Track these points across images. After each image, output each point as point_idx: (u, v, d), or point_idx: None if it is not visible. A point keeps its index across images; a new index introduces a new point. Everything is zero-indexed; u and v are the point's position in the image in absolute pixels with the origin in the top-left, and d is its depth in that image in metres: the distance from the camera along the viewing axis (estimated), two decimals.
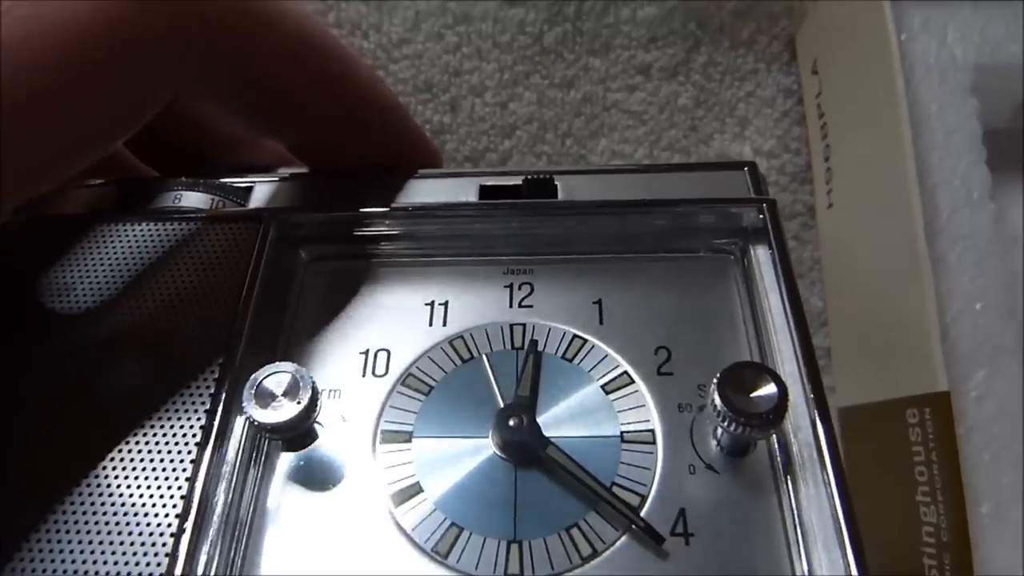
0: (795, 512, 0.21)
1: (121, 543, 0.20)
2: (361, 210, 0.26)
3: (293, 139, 0.27)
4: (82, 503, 0.21)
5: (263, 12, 0.23)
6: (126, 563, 0.20)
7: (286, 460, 0.22)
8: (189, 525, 0.20)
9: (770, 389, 0.20)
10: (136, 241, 0.25)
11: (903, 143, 0.34)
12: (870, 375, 0.37)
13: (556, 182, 0.26)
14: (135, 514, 0.20)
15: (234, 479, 0.21)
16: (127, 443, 0.21)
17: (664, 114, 0.45)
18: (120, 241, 0.25)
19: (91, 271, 0.25)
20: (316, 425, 0.22)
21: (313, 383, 0.21)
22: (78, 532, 0.20)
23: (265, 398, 0.21)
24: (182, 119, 0.29)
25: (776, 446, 0.22)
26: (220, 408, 0.22)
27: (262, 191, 0.27)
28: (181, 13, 0.22)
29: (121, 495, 0.21)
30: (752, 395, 0.20)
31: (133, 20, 0.21)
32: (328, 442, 0.23)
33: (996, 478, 0.33)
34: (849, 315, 0.40)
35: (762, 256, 0.25)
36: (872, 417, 0.36)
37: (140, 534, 0.20)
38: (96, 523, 0.20)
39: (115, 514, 0.20)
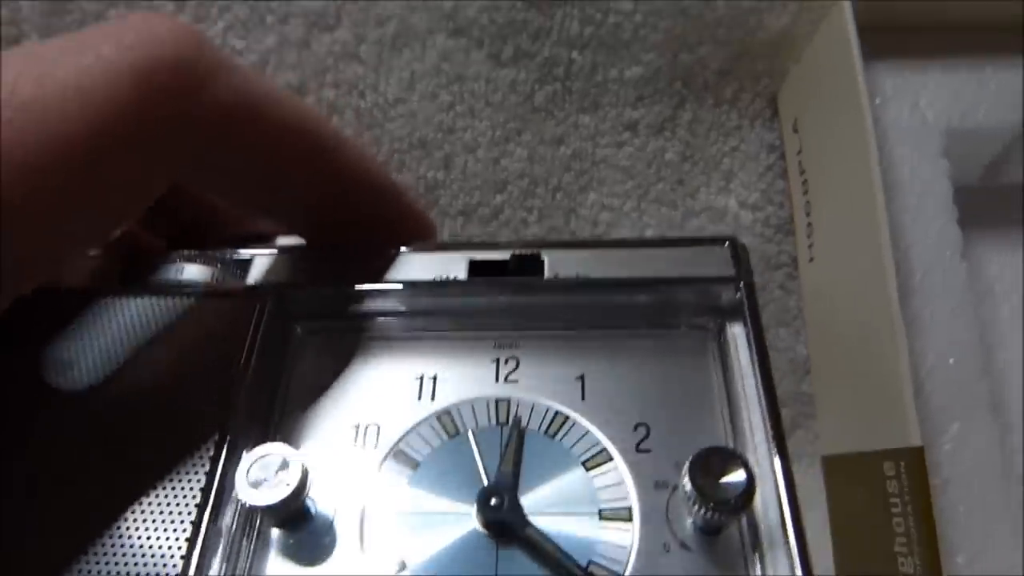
0: None
1: None
2: (356, 287, 0.27)
3: (289, 219, 0.28)
4: (83, 556, 0.22)
5: (259, 101, 0.24)
6: None
7: (278, 534, 0.23)
8: None
9: (739, 476, 0.21)
10: (138, 314, 0.26)
11: (877, 204, 0.35)
12: (852, 424, 0.38)
13: (543, 257, 0.27)
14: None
15: (229, 554, 0.22)
16: (124, 518, 0.22)
17: (651, 168, 0.46)
18: (122, 314, 0.26)
19: (93, 344, 0.25)
20: (309, 500, 0.23)
21: (303, 465, 0.22)
22: None
23: (256, 480, 0.21)
24: (184, 194, 0.29)
25: (746, 526, 0.23)
26: (215, 487, 0.22)
27: (260, 264, 0.28)
28: (178, 108, 0.22)
29: (119, 570, 0.21)
30: (721, 480, 0.21)
31: (129, 117, 0.21)
32: (319, 518, 0.23)
33: (971, 529, 0.35)
34: (831, 365, 0.41)
35: (738, 334, 0.25)
36: (853, 467, 0.37)
37: None
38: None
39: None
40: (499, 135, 0.45)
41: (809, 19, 0.44)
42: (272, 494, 0.21)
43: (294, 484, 0.21)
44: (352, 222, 0.28)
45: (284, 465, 0.22)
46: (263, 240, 0.30)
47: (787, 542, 0.21)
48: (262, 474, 0.21)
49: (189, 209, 0.30)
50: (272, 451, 0.22)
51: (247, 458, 0.22)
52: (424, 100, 0.44)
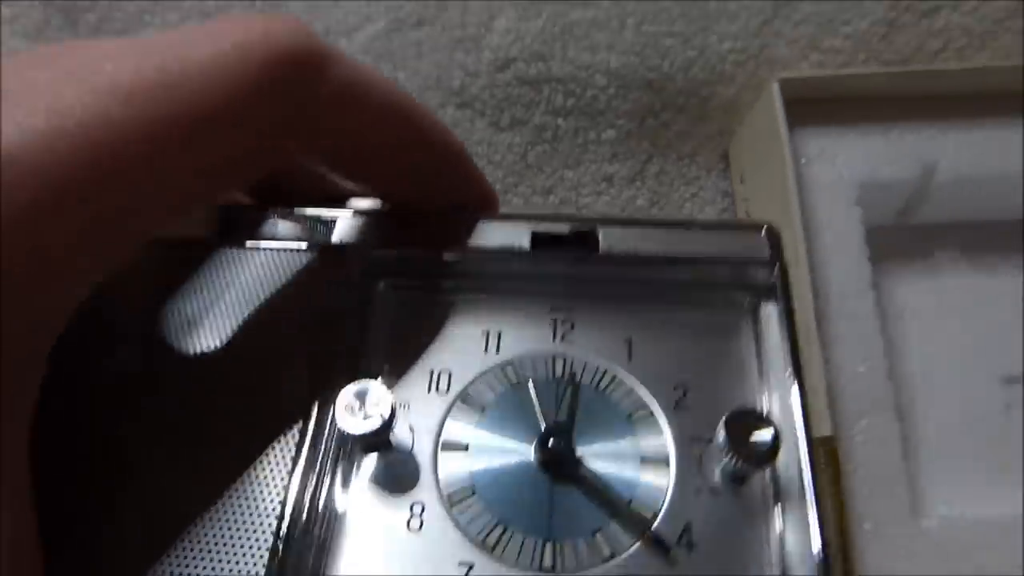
0: (782, 535, 0.24)
1: (222, 546, 0.24)
2: (433, 249, 0.29)
3: (379, 188, 0.30)
4: (189, 513, 0.24)
5: (363, 85, 0.25)
6: (227, 561, 0.23)
7: (365, 462, 0.26)
8: (284, 530, 0.24)
9: (767, 434, 0.23)
10: (237, 267, 0.28)
11: (799, 246, 0.44)
12: None
13: (599, 232, 0.29)
14: (236, 518, 0.24)
15: (324, 479, 0.25)
16: (232, 456, 0.25)
17: (626, 213, 0.55)
18: (224, 267, 0.28)
19: (202, 296, 0.28)
20: (391, 434, 0.25)
21: (392, 399, 0.24)
22: (186, 537, 0.24)
23: (353, 411, 0.24)
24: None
25: (768, 478, 0.25)
26: (314, 419, 0.25)
27: (344, 224, 0.30)
28: (299, 91, 0.24)
29: (223, 501, 0.24)
30: (751, 437, 0.23)
31: (260, 98, 0.23)
32: (400, 447, 0.26)
33: (876, 503, 0.43)
34: None
35: (772, 312, 0.28)
36: None
37: (241, 536, 0.24)
38: (198, 530, 0.24)
39: (218, 520, 0.24)
40: (499, 188, 0.54)
41: (751, 88, 0.53)
42: (366, 423, 0.23)
43: (386, 415, 0.23)
44: (433, 188, 0.30)
45: (377, 398, 0.24)
46: (336, 201, 0.32)
47: (803, 495, 0.24)
48: (358, 405, 0.24)
49: (277, 173, 0.31)
50: (367, 386, 0.24)
51: (345, 391, 0.24)
52: None
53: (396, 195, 0.30)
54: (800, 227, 0.44)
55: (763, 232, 0.29)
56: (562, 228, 0.29)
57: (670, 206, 0.56)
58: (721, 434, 0.24)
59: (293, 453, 0.25)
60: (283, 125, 0.24)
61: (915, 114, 0.49)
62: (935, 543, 0.42)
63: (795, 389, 0.26)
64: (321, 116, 0.25)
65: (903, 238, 0.52)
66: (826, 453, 0.42)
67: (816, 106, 0.49)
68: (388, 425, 0.24)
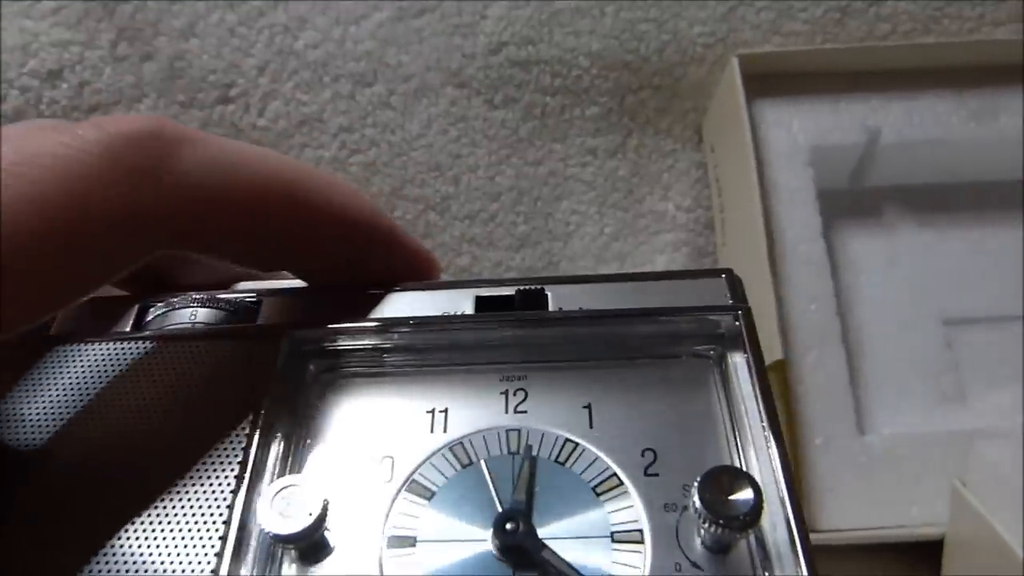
0: None
1: None
2: (366, 324, 0.27)
3: (282, 269, 0.28)
4: None
5: (227, 165, 0.24)
6: None
7: (301, 569, 0.23)
8: None
9: (747, 493, 0.21)
10: (153, 359, 0.26)
11: (756, 201, 0.50)
12: None
13: (547, 292, 0.27)
14: None
15: None
16: (144, 556, 0.22)
17: (608, 182, 0.61)
18: (136, 359, 0.26)
19: (109, 391, 0.25)
20: (327, 532, 0.23)
21: (323, 495, 0.22)
22: None
23: (280, 510, 0.21)
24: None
25: (753, 543, 0.22)
26: (237, 520, 0.22)
27: (269, 305, 0.28)
28: (148, 182, 0.22)
29: None
30: (730, 498, 0.21)
31: (101, 190, 0.21)
32: (338, 549, 0.23)
33: (826, 421, 0.49)
34: None
35: (739, 362, 0.25)
36: None
37: None
38: None
39: None
40: (494, 159, 0.60)
41: (720, 68, 0.60)
42: (294, 523, 0.21)
43: (316, 513, 0.21)
44: (348, 267, 0.28)
45: (306, 496, 0.22)
46: (225, 286, 0.30)
47: (796, 558, 0.21)
48: (285, 505, 0.21)
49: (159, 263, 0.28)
50: (294, 482, 0.22)
51: (270, 489, 0.22)
52: (438, 135, 0.59)
53: (311, 276, 0.28)
54: (756, 184, 0.51)
55: (723, 278, 0.28)
56: (507, 290, 0.28)
57: (649, 176, 0.62)
58: (695, 499, 0.21)
59: (213, 565, 0.22)
60: (136, 211, 0.22)
61: (861, 86, 0.56)
62: (879, 456, 0.48)
63: (772, 442, 0.23)
64: (181, 199, 0.23)
65: (856, 200, 0.58)
66: (777, 377, 0.48)
67: (772, 80, 0.55)
68: (319, 525, 0.22)
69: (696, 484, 0.21)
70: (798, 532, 0.21)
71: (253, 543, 0.22)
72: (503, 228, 0.60)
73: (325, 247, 0.27)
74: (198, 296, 0.28)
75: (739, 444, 0.24)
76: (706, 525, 0.21)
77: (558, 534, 0.23)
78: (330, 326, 0.27)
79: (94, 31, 0.58)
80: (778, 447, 0.23)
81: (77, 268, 0.22)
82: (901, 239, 0.58)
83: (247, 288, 0.30)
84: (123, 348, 0.26)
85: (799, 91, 0.55)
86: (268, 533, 0.21)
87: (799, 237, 0.52)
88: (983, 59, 0.56)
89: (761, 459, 0.23)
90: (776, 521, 0.22)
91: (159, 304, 0.28)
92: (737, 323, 0.26)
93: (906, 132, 0.55)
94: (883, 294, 0.55)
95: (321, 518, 0.22)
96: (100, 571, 0.22)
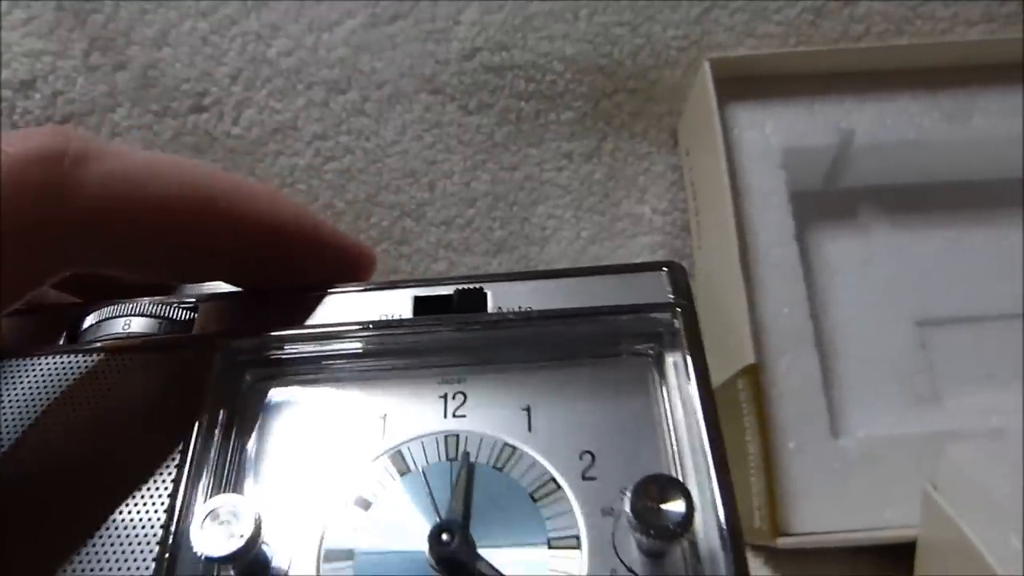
0: None
1: None
2: (301, 331, 0.26)
3: (206, 279, 0.27)
4: None
5: (137, 178, 0.23)
6: None
7: None
8: None
9: (678, 504, 0.21)
10: (87, 371, 0.25)
11: (728, 205, 0.50)
12: (716, 361, 0.53)
13: (486, 291, 0.27)
14: None
15: None
16: (81, 566, 0.22)
17: (584, 186, 0.61)
18: (68, 373, 0.25)
19: (42, 405, 0.25)
20: (264, 547, 0.22)
21: (256, 513, 0.21)
22: None
23: (211, 531, 0.21)
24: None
25: (687, 550, 0.22)
26: (171, 541, 0.22)
27: (206, 312, 0.28)
28: (52, 197, 0.22)
29: None
30: (662, 507, 0.21)
31: (5, 210, 0.21)
32: (276, 565, 0.23)
33: (800, 426, 0.49)
34: (710, 321, 0.56)
35: (676, 360, 0.25)
36: (723, 389, 0.52)
37: None
38: None
39: None
40: (469, 165, 0.59)
41: (694, 71, 0.59)
42: (228, 544, 0.21)
43: (248, 533, 0.21)
44: (274, 270, 0.27)
45: (237, 515, 0.21)
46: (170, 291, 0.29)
47: (729, 565, 0.21)
48: (217, 526, 0.21)
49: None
50: (224, 503, 0.21)
51: (200, 510, 0.21)
52: (413, 141, 0.59)
53: (239, 282, 0.28)
54: (728, 187, 0.51)
55: (665, 272, 0.27)
56: (446, 290, 0.27)
57: (625, 180, 0.62)
58: (628, 510, 0.21)
59: None
60: (39, 230, 0.22)
61: (834, 88, 0.56)
62: (853, 459, 0.48)
63: (707, 445, 0.23)
64: (87, 217, 0.23)
65: (830, 202, 0.58)
66: (750, 381, 0.48)
67: (745, 83, 0.55)
68: (253, 544, 0.21)
69: (628, 493, 0.21)
70: (731, 541, 0.21)
71: (189, 565, 0.22)
72: (479, 233, 0.60)
73: (248, 253, 0.26)
74: (131, 305, 0.27)
75: (676, 447, 0.24)
76: (638, 534, 0.21)
77: (495, 542, 0.23)
78: (266, 334, 0.26)
79: (66, 40, 0.58)
80: (713, 449, 0.23)
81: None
82: (875, 240, 0.57)
83: (187, 293, 0.29)
84: (54, 363, 0.26)
85: (772, 94, 0.55)
86: (201, 555, 0.21)
87: (772, 240, 0.52)
88: (957, 59, 0.56)
89: (697, 462, 0.23)
90: (710, 528, 0.22)
91: (90, 314, 0.28)
92: (675, 321, 0.25)
93: (880, 133, 0.55)
94: (857, 295, 0.55)
95: (254, 537, 0.21)
96: None
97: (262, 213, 0.26)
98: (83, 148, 0.23)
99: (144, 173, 0.24)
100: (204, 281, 0.28)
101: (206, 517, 0.21)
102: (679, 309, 0.26)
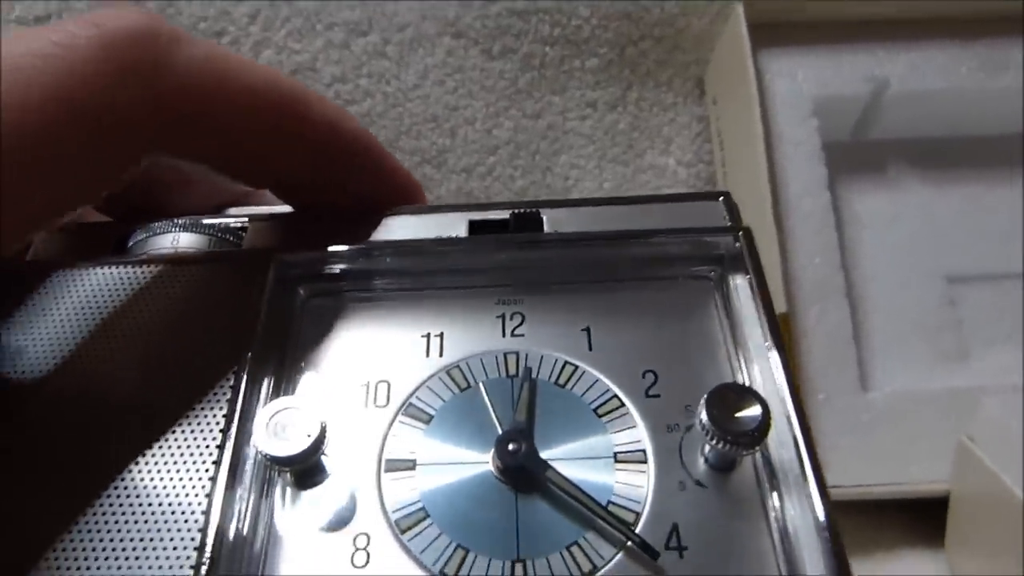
0: (781, 522, 0.21)
1: (141, 566, 0.20)
2: (357, 247, 0.26)
3: (270, 185, 0.27)
4: (91, 532, 0.21)
5: (223, 69, 0.23)
6: None
7: (296, 493, 0.22)
8: (206, 559, 0.20)
9: (754, 409, 0.21)
10: (140, 283, 0.25)
11: (760, 152, 0.49)
12: None
13: (542, 215, 0.27)
14: (148, 555, 0.20)
15: (247, 512, 0.21)
16: (140, 470, 0.22)
17: (608, 136, 0.60)
18: (123, 285, 0.25)
19: (96, 316, 0.25)
20: (323, 457, 0.22)
21: (322, 420, 0.21)
22: (86, 559, 0.20)
23: (276, 432, 0.21)
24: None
25: (760, 461, 0.22)
26: (231, 443, 0.22)
27: (256, 230, 0.27)
28: (143, 80, 0.21)
29: (132, 534, 0.21)
30: (737, 415, 0.21)
31: (95, 88, 0.20)
32: (336, 473, 0.23)
33: (827, 377, 0.48)
34: None
35: (741, 283, 0.25)
36: None
37: (161, 556, 0.20)
38: (110, 546, 0.20)
39: (127, 554, 0.20)
40: (491, 111, 0.59)
41: (723, 19, 0.58)
42: (292, 446, 0.21)
43: (314, 435, 0.21)
44: (334, 185, 0.27)
45: (303, 417, 0.21)
46: (219, 212, 0.29)
47: (804, 477, 0.21)
48: (281, 427, 0.21)
49: (136, 183, 0.27)
50: (292, 404, 0.21)
51: (266, 410, 0.21)
52: (435, 86, 0.58)
53: (300, 196, 0.27)
54: (760, 134, 0.50)
55: (721, 201, 0.27)
56: (502, 214, 0.27)
57: (649, 130, 0.61)
58: (703, 416, 0.21)
59: (207, 490, 0.21)
60: (128, 111, 0.21)
61: (867, 36, 0.55)
62: (881, 413, 0.48)
63: (776, 359, 0.23)
64: (176, 99, 0.22)
65: (860, 154, 0.57)
66: (780, 329, 0.47)
67: (777, 30, 0.54)
68: (318, 446, 0.21)
69: (703, 402, 0.21)
70: (807, 451, 0.21)
71: (248, 467, 0.22)
72: (500, 182, 0.59)
73: (315, 160, 0.26)
74: (180, 221, 0.27)
75: (743, 364, 0.24)
76: (713, 442, 0.21)
77: (560, 455, 0.23)
78: (322, 250, 0.26)
79: None
80: (783, 366, 0.23)
81: (68, 174, 0.21)
82: (904, 195, 0.57)
83: (233, 213, 0.28)
84: (110, 273, 0.25)
85: (804, 41, 0.54)
86: (264, 455, 0.21)
87: (803, 190, 0.51)
88: (994, 9, 0.54)
89: (766, 379, 0.23)
90: (784, 440, 0.22)
91: (139, 230, 0.27)
92: (737, 244, 0.25)
93: (912, 83, 0.54)
94: (886, 250, 0.54)
95: (319, 440, 0.21)
96: (94, 501, 0.21)
97: (336, 123, 0.26)
98: (174, 32, 0.22)
99: (232, 64, 0.23)
100: (263, 186, 0.27)
101: (272, 418, 0.21)
102: (741, 233, 0.26)
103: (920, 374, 0.51)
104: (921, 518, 0.48)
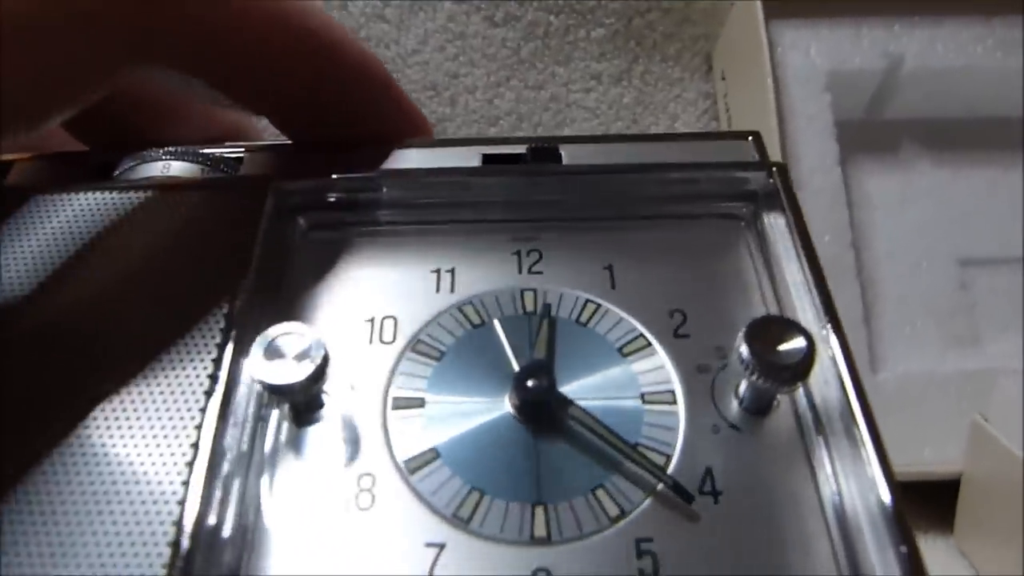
0: (831, 465, 0.20)
1: (122, 501, 0.18)
2: (363, 175, 0.25)
3: (269, 110, 0.26)
4: (76, 464, 0.19)
5: None
6: (127, 523, 0.18)
7: (295, 431, 0.21)
8: (200, 472, 0.18)
9: (798, 342, 0.19)
10: (126, 210, 0.24)
11: (772, 126, 0.48)
12: None
13: (561, 150, 0.25)
14: (138, 472, 0.19)
15: (242, 443, 0.20)
16: (128, 400, 0.20)
17: (612, 110, 0.58)
18: (109, 211, 0.24)
19: (80, 241, 0.23)
20: (324, 394, 0.21)
21: (324, 346, 0.20)
22: (72, 495, 0.19)
23: (274, 358, 0.19)
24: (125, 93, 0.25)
25: (803, 403, 0.21)
26: (224, 373, 0.20)
27: (253, 160, 0.26)
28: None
29: (122, 455, 0.19)
30: (779, 348, 0.19)
31: (89, 9, 0.20)
32: (337, 410, 0.21)
33: None
34: None
35: (776, 222, 0.24)
36: None
37: (145, 492, 0.19)
38: (92, 483, 0.19)
39: (114, 473, 0.19)
40: (493, 80, 0.57)
41: None
42: (292, 372, 0.19)
43: (317, 361, 0.19)
44: (337, 111, 0.25)
45: (304, 343, 0.19)
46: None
47: (853, 419, 0.19)
48: (280, 353, 0.19)
49: (119, 108, 0.26)
50: (292, 329, 0.20)
51: (264, 335, 0.20)
52: (435, 52, 0.56)
53: (297, 122, 0.26)
54: (773, 107, 0.48)
55: (750, 140, 0.26)
56: (518, 149, 0.26)
57: (654, 105, 0.59)
58: (742, 349, 0.20)
59: (197, 420, 0.20)
60: (128, 9, 0.21)
61: (883, 10, 0.53)
62: (892, 395, 0.46)
63: (819, 300, 0.21)
64: (173, 5, 0.21)
65: (873, 133, 0.55)
66: None
67: (790, 2, 0.52)
68: (319, 374, 0.19)
69: (742, 333, 0.20)
70: (855, 393, 0.19)
71: (242, 400, 0.20)
72: None
73: (318, 80, 0.24)
74: (172, 148, 0.26)
75: (779, 306, 0.23)
76: (752, 377, 0.20)
77: (583, 395, 0.21)
78: (323, 178, 0.24)
79: None
80: (825, 305, 0.21)
81: (60, 67, 0.20)
82: (918, 176, 0.55)
83: (228, 144, 0.27)
84: (97, 199, 0.24)
85: (818, 13, 0.52)
86: (261, 383, 0.19)
87: (815, 166, 0.49)
88: None
89: (810, 318, 0.21)
90: (829, 379, 0.20)
91: (127, 158, 0.26)
92: (771, 180, 0.24)
93: (929, 59, 0.52)
94: (898, 232, 0.53)
95: (322, 367, 0.19)
96: (83, 432, 0.20)
97: (341, 41, 0.24)
98: None
99: None
100: (268, 112, 0.25)
101: (270, 343, 0.19)
102: (776, 168, 0.24)
103: (931, 357, 0.49)
104: (932, 499, 0.47)
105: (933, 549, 0.46)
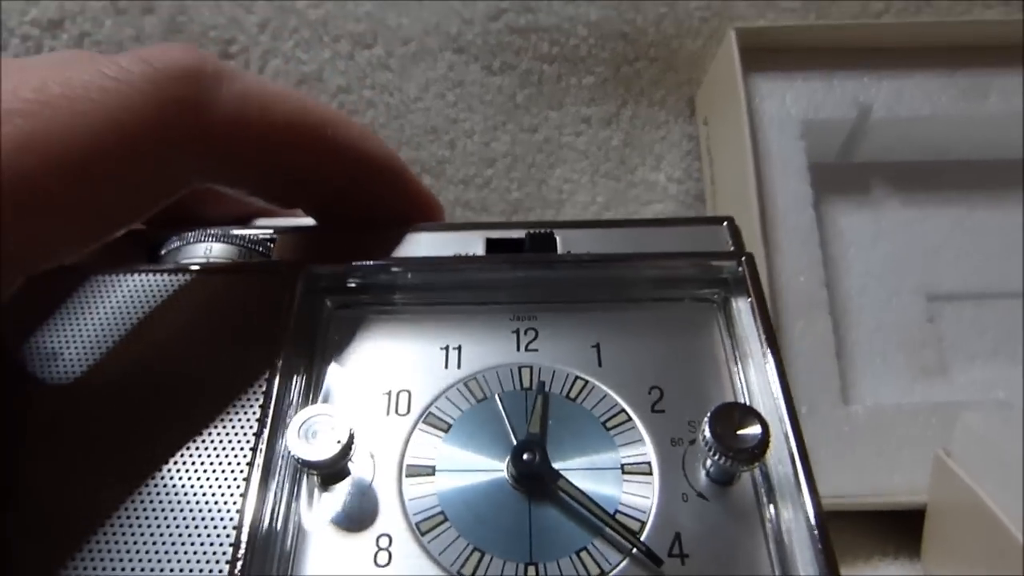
0: (777, 531, 0.23)
1: (174, 570, 0.21)
2: (382, 263, 0.28)
3: (303, 205, 0.29)
4: (121, 541, 0.22)
5: (263, 100, 0.25)
6: None
7: (322, 495, 0.24)
8: (241, 555, 0.21)
9: (755, 428, 0.22)
10: (173, 291, 0.27)
11: (749, 170, 0.51)
12: None
13: (556, 236, 0.28)
14: (184, 551, 0.22)
15: (279, 511, 0.23)
16: (174, 479, 0.23)
17: (601, 152, 0.61)
18: (158, 291, 0.27)
19: (131, 319, 0.26)
20: (348, 462, 0.23)
21: (351, 427, 0.22)
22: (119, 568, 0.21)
23: (307, 437, 0.22)
24: None
25: (759, 477, 0.23)
26: (265, 443, 0.23)
27: (283, 242, 0.29)
28: (190, 113, 0.23)
29: (168, 531, 0.22)
30: (739, 432, 0.22)
31: (145, 120, 0.22)
32: (359, 477, 0.24)
33: (810, 390, 0.50)
34: None
35: (742, 306, 0.26)
36: None
37: (193, 561, 0.21)
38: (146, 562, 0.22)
39: (164, 550, 0.22)
40: (489, 125, 0.60)
41: (715, 41, 0.60)
42: (323, 450, 0.22)
43: (343, 441, 0.22)
44: (360, 203, 0.28)
45: (333, 424, 0.22)
46: (245, 222, 0.30)
47: (800, 491, 0.22)
48: (313, 432, 0.22)
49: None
50: (323, 411, 0.22)
51: (299, 416, 0.22)
52: (435, 99, 0.59)
53: (325, 212, 0.29)
54: (750, 153, 0.51)
55: (724, 226, 0.29)
56: (517, 233, 0.28)
57: (641, 147, 0.62)
58: (706, 433, 0.22)
59: (241, 489, 0.23)
60: (179, 142, 0.23)
61: (854, 63, 0.57)
62: (862, 425, 0.49)
63: (775, 378, 0.24)
64: (222, 132, 0.24)
65: (845, 175, 0.59)
66: None
67: (767, 54, 0.56)
68: (346, 452, 0.22)
69: (707, 418, 0.22)
70: (802, 468, 0.22)
71: (279, 468, 0.23)
72: (497, 194, 0.60)
73: (348, 182, 0.27)
74: (212, 231, 0.29)
75: (744, 382, 0.25)
76: (715, 457, 0.22)
77: (571, 466, 0.24)
78: (348, 263, 0.27)
79: None
80: (782, 387, 0.24)
81: (124, 197, 0.23)
82: (887, 215, 0.58)
83: (262, 224, 0.30)
84: (145, 280, 0.27)
85: (793, 66, 0.56)
86: (296, 458, 0.22)
87: (789, 207, 0.53)
88: (975, 39, 0.56)
89: (764, 396, 0.24)
90: (781, 456, 0.23)
91: (174, 238, 0.29)
92: (740, 269, 0.27)
93: (896, 109, 0.56)
94: (869, 268, 0.56)
95: (348, 446, 0.22)
96: (130, 499, 0.22)
97: (361, 144, 0.27)
98: (219, 67, 0.24)
99: (270, 95, 0.25)
100: (297, 206, 0.28)
101: (303, 424, 0.22)
102: (744, 258, 0.27)
103: (900, 388, 0.52)
104: (899, 528, 0.50)
105: (901, 573, 0.48)
